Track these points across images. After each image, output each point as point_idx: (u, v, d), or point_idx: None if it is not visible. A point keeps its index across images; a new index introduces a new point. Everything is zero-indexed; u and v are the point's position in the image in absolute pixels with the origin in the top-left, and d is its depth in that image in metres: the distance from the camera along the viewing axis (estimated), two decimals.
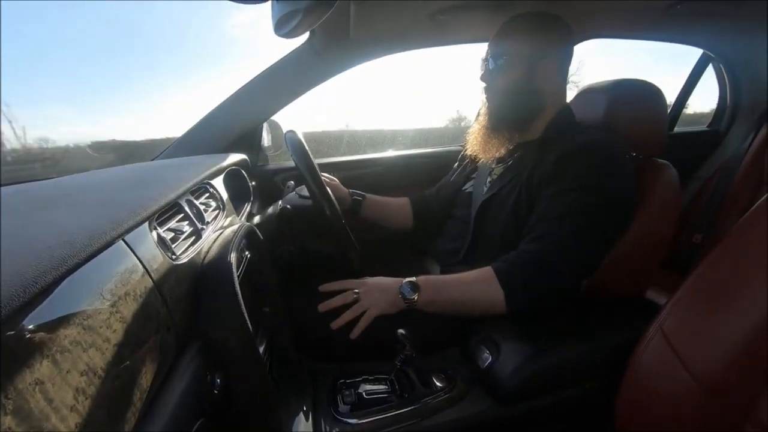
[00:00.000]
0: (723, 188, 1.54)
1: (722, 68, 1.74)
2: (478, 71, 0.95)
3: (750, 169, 1.52)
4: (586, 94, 1.02)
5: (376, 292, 0.83)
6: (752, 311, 0.49)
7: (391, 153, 1.53)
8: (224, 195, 0.86)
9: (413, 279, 0.82)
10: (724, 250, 0.55)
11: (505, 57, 0.89)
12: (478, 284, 0.80)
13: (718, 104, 1.83)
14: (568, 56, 0.92)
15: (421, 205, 1.23)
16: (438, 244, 1.09)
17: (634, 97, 0.94)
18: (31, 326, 0.29)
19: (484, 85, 0.95)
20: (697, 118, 1.89)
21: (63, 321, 0.32)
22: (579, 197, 0.77)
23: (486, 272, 0.80)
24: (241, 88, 1.22)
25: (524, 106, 0.90)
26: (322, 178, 0.89)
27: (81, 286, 0.35)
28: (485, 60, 0.93)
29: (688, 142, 1.78)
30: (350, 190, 1.18)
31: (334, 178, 1.16)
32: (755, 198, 1.48)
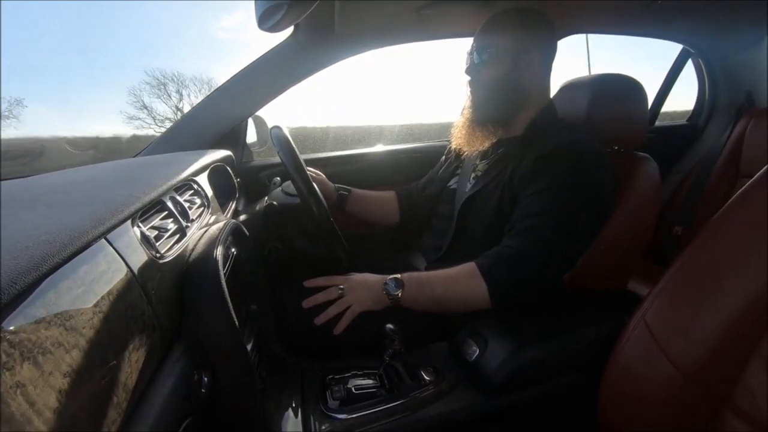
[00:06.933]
0: (702, 181, 1.58)
1: (701, 63, 1.77)
2: (463, 65, 0.95)
3: (727, 162, 1.56)
4: (569, 89, 1.04)
5: (361, 288, 0.83)
6: (729, 300, 0.51)
7: (378, 148, 1.53)
8: (209, 192, 0.84)
9: (398, 276, 0.82)
10: (703, 242, 0.57)
11: (490, 51, 0.90)
12: (461, 280, 0.81)
13: (697, 99, 1.88)
14: (552, 51, 0.93)
15: (407, 198, 1.23)
16: (423, 240, 1.10)
17: (615, 92, 0.96)
18: (11, 328, 0.28)
19: (468, 78, 0.95)
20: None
21: (44, 322, 0.31)
22: (558, 194, 0.79)
23: (469, 267, 0.81)
24: (225, 84, 1.20)
25: (508, 100, 0.91)
26: (308, 173, 0.88)
27: (62, 286, 0.35)
28: (470, 54, 0.94)
29: (668, 137, 1.82)
30: (336, 185, 1.18)
31: (320, 173, 1.15)
32: (732, 191, 1.53)
